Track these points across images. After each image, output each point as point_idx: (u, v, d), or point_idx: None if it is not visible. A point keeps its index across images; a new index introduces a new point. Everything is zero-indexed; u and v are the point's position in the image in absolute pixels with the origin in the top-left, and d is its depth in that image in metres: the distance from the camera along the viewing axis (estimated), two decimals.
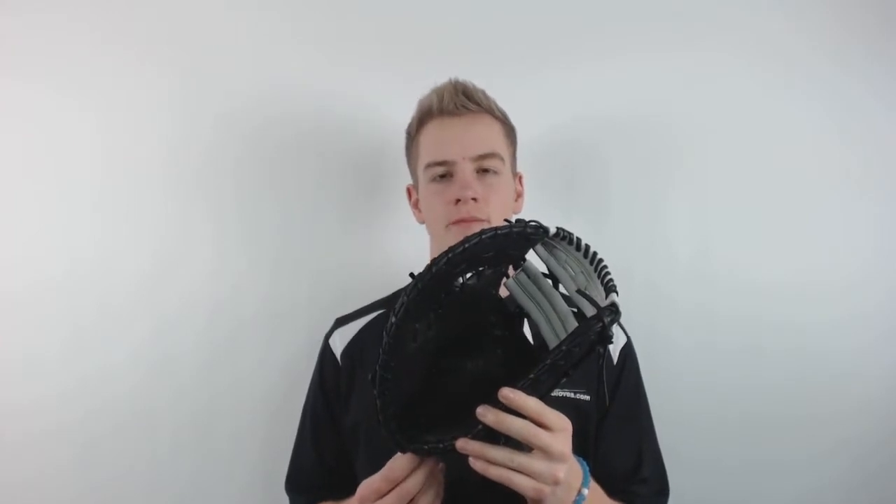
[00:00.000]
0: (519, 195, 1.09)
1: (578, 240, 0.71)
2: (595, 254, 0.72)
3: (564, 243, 0.72)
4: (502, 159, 1.00)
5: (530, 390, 0.65)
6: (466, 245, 0.62)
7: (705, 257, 1.26)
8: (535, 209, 1.12)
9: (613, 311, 0.65)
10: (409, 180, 1.12)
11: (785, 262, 1.26)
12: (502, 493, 0.68)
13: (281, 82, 1.22)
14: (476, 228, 0.90)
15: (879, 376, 1.26)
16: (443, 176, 0.99)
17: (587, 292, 0.70)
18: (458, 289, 0.71)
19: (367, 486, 0.71)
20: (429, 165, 1.00)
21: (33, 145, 1.17)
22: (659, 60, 1.25)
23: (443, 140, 1.00)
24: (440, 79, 1.05)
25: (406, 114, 1.08)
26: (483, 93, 1.03)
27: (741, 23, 1.26)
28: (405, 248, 1.20)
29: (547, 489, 0.67)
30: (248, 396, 1.21)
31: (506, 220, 0.67)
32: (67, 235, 1.17)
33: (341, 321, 1.07)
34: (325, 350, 1.04)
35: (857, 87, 1.26)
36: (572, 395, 0.93)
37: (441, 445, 0.66)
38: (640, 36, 1.25)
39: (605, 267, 0.71)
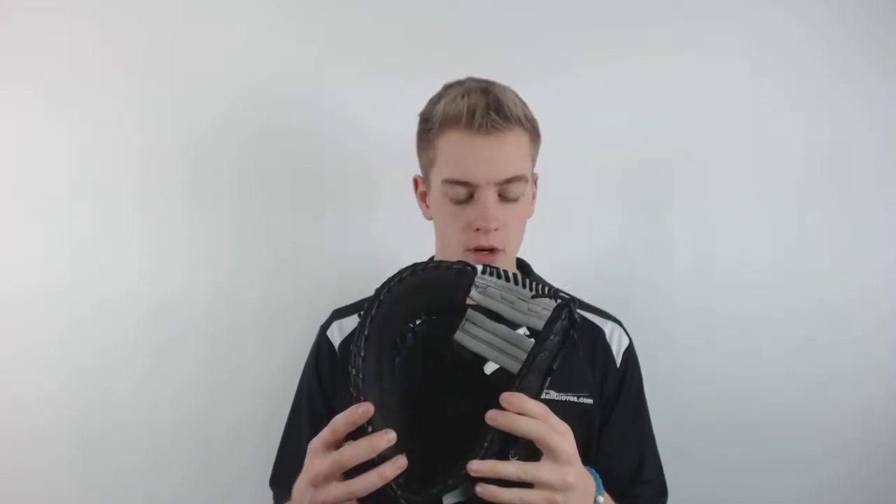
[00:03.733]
0: (533, 197, 1.04)
1: (505, 272, 0.73)
2: (524, 278, 0.73)
3: (493, 279, 0.74)
4: (526, 180, 0.94)
5: (524, 391, 0.65)
6: (381, 298, 0.66)
7: (706, 257, 1.26)
8: (536, 210, 1.12)
9: (569, 298, 0.68)
10: (409, 177, 1.11)
11: (785, 263, 1.26)
12: None
13: (281, 81, 1.22)
14: (494, 260, 0.91)
15: (879, 376, 1.26)
16: (462, 200, 0.92)
17: (535, 310, 0.72)
18: (411, 335, 0.72)
19: (316, 437, 0.66)
20: (449, 181, 0.92)
21: (31, 147, 1.17)
22: (660, 61, 1.25)
23: (467, 159, 0.91)
24: (441, 79, 1.03)
25: (406, 112, 1.06)
26: (513, 101, 0.93)
27: (742, 24, 1.26)
28: (405, 245, 1.19)
29: (560, 497, 0.65)
30: (247, 394, 1.21)
31: (431, 258, 0.68)
32: (66, 235, 1.18)
33: (339, 313, 1.05)
34: (322, 341, 1.03)
35: (858, 88, 1.27)
36: (576, 398, 0.92)
37: (450, 482, 0.64)
38: (641, 36, 1.25)
39: (540, 282, 0.73)
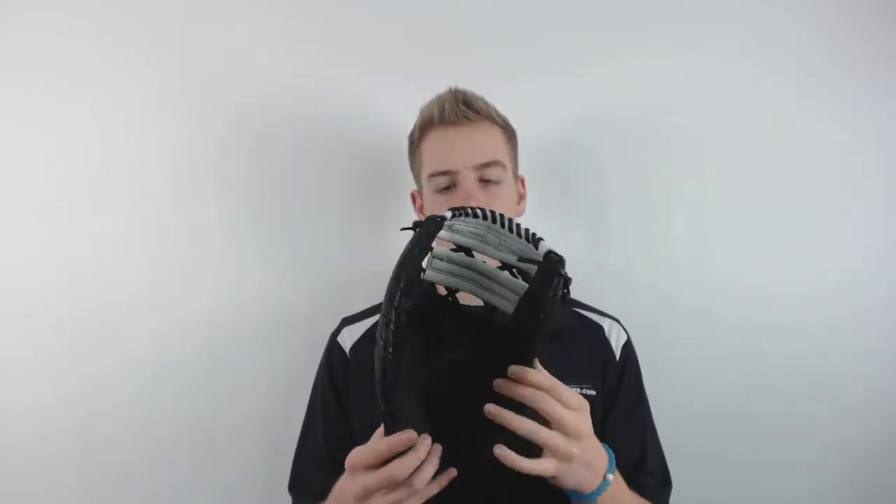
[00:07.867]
0: (521, 198, 1.10)
1: (473, 209, 0.70)
2: (498, 214, 0.70)
3: (462, 217, 0.71)
4: (504, 166, 1.01)
5: (526, 359, 0.66)
6: (402, 283, 0.64)
7: (705, 258, 1.26)
8: (534, 211, 1.12)
9: (555, 260, 0.65)
10: (410, 178, 1.12)
11: (785, 263, 1.26)
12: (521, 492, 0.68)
13: (283, 84, 1.22)
14: None
15: (879, 376, 1.26)
16: (447, 187, 1.00)
17: (509, 245, 0.70)
18: (404, 317, 0.71)
19: (356, 455, 0.69)
20: (432, 175, 1.01)
21: (35, 148, 1.17)
22: (659, 61, 1.25)
23: (445, 150, 1.01)
24: (441, 79, 1.05)
25: (409, 115, 1.08)
26: (483, 100, 1.04)
27: (741, 24, 1.25)
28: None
29: (562, 467, 0.68)
30: (248, 397, 1.21)
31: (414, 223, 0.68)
32: (69, 237, 1.18)
33: (348, 320, 1.07)
34: (333, 346, 1.05)
35: (857, 89, 1.26)
36: (578, 390, 0.93)
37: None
38: (640, 36, 1.25)
39: (519, 224, 0.70)
